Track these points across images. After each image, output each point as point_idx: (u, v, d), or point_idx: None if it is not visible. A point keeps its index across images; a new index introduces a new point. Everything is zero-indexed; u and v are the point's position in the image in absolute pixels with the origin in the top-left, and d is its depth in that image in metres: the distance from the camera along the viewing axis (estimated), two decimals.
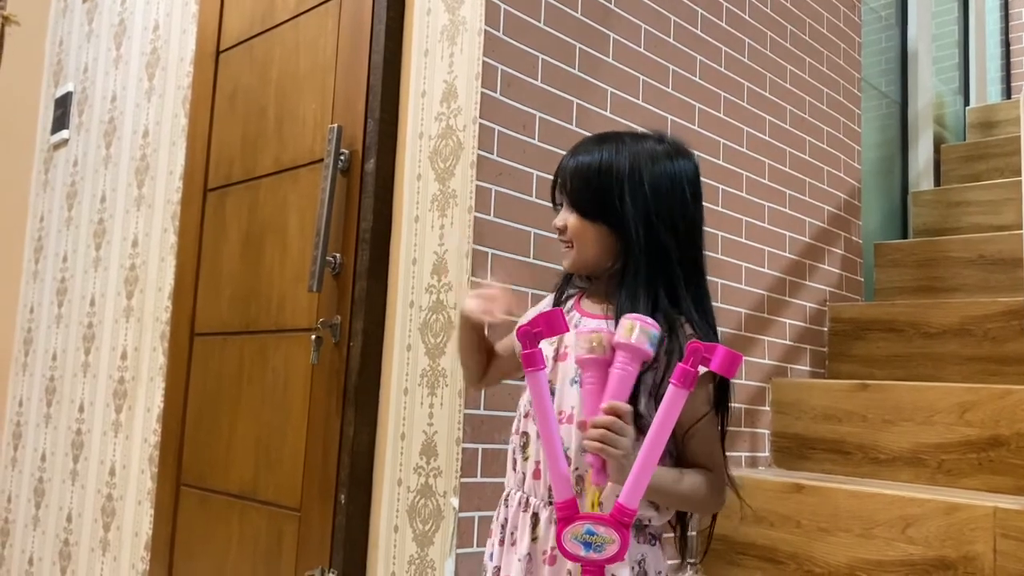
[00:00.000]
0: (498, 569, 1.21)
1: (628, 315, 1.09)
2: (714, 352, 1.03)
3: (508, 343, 1.33)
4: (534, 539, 1.16)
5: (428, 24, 1.81)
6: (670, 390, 1.03)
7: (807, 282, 2.51)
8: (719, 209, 2.18)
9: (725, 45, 2.25)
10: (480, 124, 1.66)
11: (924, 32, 3.36)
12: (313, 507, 1.82)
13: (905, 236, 3.14)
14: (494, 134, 1.68)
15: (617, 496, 1.04)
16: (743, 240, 2.26)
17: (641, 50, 2.00)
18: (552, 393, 1.17)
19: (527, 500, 1.19)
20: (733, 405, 1.22)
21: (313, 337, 1.85)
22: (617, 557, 1.03)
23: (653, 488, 1.07)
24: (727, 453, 1.20)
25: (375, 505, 1.75)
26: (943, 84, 3.70)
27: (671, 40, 2.08)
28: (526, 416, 1.22)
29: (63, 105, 3.09)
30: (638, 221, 1.16)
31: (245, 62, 2.28)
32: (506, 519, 1.21)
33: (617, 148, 1.19)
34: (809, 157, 2.54)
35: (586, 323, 1.20)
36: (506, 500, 1.23)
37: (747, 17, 2.34)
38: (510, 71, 1.71)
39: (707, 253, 1.25)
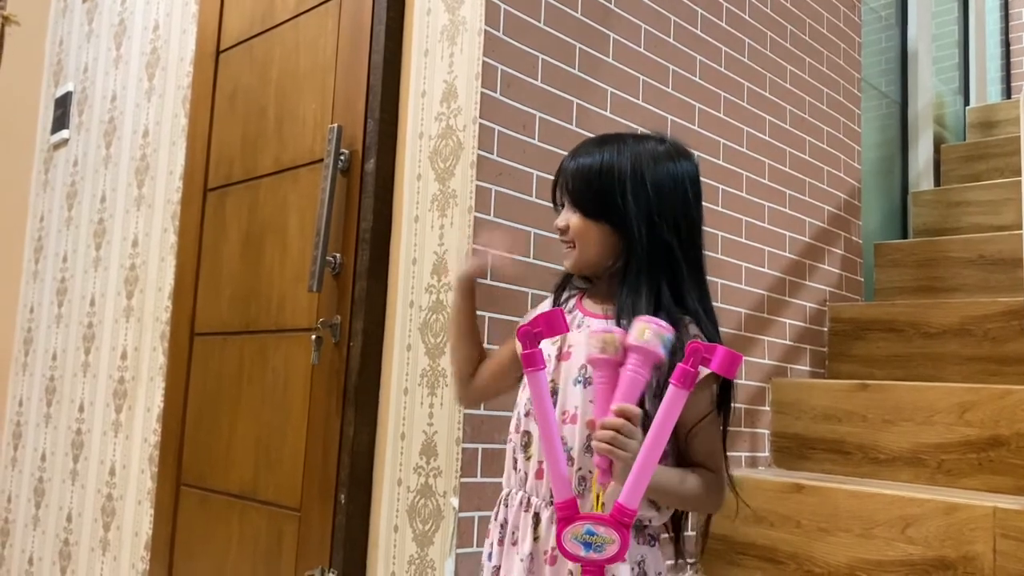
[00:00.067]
0: (497, 569, 1.21)
1: (641, 317, 1.08)
2: (714, 352, 1.03)
3: (508, 354, 1.32)
4: (536, 539, 1.16)
5: (428, 24, 1.81)
6: (670, 390, 1.03)
7: (807, 282, 2.51)
8: (719, 209, 2.18)
9: (725, 45, 2.25)
10: (480, 124, 1.66)
11: (924, 32, 3.36)
12: (313, 507, 1.82)
13: (905, 236, 3.14)
14: (494, 134, 1.68)
15: (617, 496, 1.04)
16: (743, 240, 2.26)
17: (641, 50, 2.00)
18: (555, 393, 1.17)
19: (528, 500, 1.19)
20: (734, 405, 1.22)
21: (313, 337, 1.85)
22: (617, 557, 1.03)
23: (655, 488, 1.07)
24: (728, 453, 1.20)
25: (375, 505, 1.76)
26: (943, 84, 3.70)
27: (671, 40, 2.08)
28: (527, 415, 1.21)
29: (63, 105, 3.09)
30: (640, 219, 1.16)
31: (245, 62, 2.28)
32: (506, 519, 1.21)
33: (619, 149, 1.20)
34: (809, 157, 2.54)
35: (589, 322, 1.20)
36: (506, 500, 1.23)
37: (747, 17, 2.34)
38: (510, 71, 1.71)
39: (707, 253, 1.26)
